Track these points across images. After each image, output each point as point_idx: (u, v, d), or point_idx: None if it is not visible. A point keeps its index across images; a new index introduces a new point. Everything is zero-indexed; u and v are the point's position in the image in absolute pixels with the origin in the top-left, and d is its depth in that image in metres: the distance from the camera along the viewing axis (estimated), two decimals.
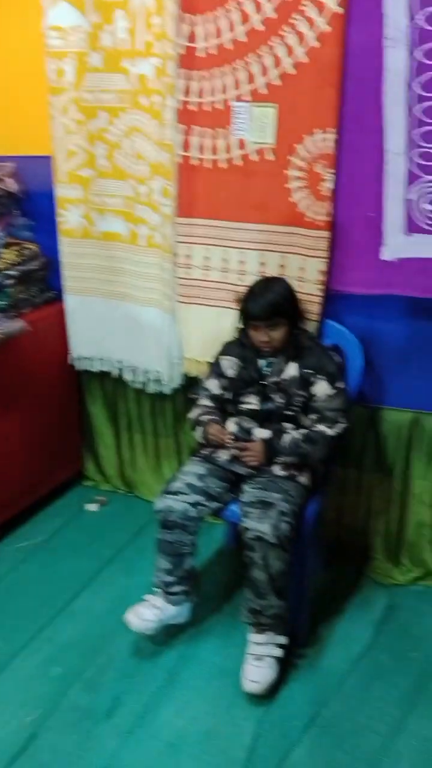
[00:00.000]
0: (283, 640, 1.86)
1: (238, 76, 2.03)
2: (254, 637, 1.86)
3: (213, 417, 1.99)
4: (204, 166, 2.13)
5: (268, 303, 1.87)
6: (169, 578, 1.92)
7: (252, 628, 1.86)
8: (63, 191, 2.39)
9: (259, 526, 1.77)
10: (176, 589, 1.93)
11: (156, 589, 1.97)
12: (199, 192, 2.15)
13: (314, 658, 1.98)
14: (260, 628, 1.84)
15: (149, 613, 1.92)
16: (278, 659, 1.86)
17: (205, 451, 1.99)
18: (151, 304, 2.36)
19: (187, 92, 2.09)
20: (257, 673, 1.82)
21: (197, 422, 2.00)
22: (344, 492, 2.35)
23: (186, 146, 2.14)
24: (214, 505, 1.92)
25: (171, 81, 2.10)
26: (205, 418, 1.99)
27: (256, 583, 1.80)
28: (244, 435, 1.96)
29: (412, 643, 2.03)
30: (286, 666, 1.92)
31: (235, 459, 1.94)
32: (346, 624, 2.10)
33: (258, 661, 1.83)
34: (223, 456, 1.97)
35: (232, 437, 1.92)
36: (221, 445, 1.93)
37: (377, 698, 1.85)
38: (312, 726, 1.77)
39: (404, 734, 1.75)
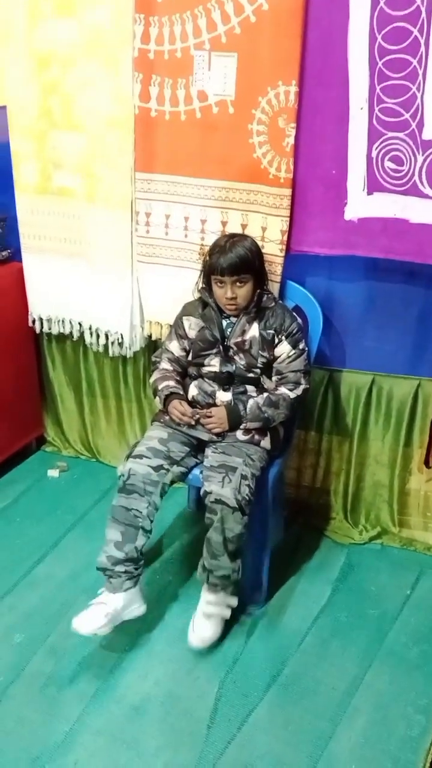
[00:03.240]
0: (233, 601, 1.79)
1: (198, 23, 1.85)
2: (207, 595, 1.78)
3: (174, 389, 1.89)
4: (164, 119, 1.99)
5: (237, 257, 1.77)
6: (117, 553, 1.74)
7: (205, 586, 1.79)
8: (18, 144, 2.21)
9: (221, 490, 1.71)
10: (121, 568, 1.75)
11: (99, 572, 1.78)
12: (159, 146, 2.02)
13: (274, 617, 1.94)
14: (212, 587, 1.77)
15: (97, 614, 1.72)
16: (225, 619, 1.81)
17: (167, 416, 1.91)
18: (110, 263, 2.23)
19: (144, 39, 1.92)
20: (204, 629, 1.78)
21: (156, 390, 1.92)
22: (304, 453, 2.31)
23: (144, 97, 1.99)
24: (177, 469, 1.84)
25: (128, 28, 1.92)
26: (163, 386, 1.90)
27: (211, 543, 1.73)
28: (206, 398, 1.89)
29: (369, 600, 2.01)
30: (248, 627, 1.88)
31: (198, 423, 1.86)
32: (306, 583, 2.07)
33: (207, 619, 1.78)
34: None
35: (197, 415, 1.83)
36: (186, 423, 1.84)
37: (335, 655, 1.82)
38: (273, 685, 1.74)
39: (362, 690, 1.73)
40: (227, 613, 1.79)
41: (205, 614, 1.78)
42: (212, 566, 1.74)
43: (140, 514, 1.76)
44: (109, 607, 1.73)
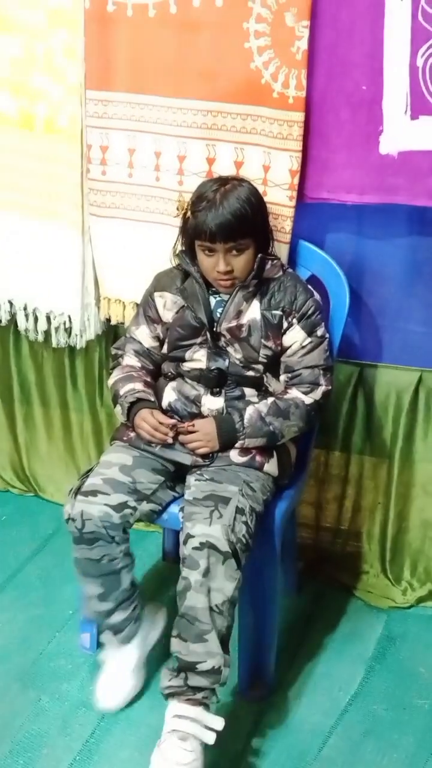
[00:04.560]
0: (218, 724, 1.68)
1: None
2: (178, 707, 1.68)
3: (143, 394, 1.91)
4: (124, 15, 2.00)
5: (231, 214, 1.78)
6: (106, 605, 1.85)
7: (175, 698, 1.69)
8: None
9: (207, 528, 1.70)
10: (119, 617, 1.86)
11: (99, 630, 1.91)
12: (119, 54, 2.04)
13: (285, 711, 1.94)
14: (187, 697, 1.67)
15: (120, 679, 1.89)
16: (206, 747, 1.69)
17: (131, 433, 1.92)
18: (53, 217, 2.26)
19: None
20: (179, 753, 1.64)
21: (118, 396, 1.93)
22: (325, 482, 2.33)
23: None
24: (147, 507, 1.85)
25: None
26: (127, 390, 1.91)
27: (188, 618, 1.68)
28: (188, 406, 1.90)
29: (417, 686, 2.01)
30: (248, 724, 1.87)
31: (176, 441, 1.87)
32: (329, 663, 2.07)
33: (182, 741, 1.65)
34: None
35: (174, 429, 1.84)
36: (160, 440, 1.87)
37: (371, 763, 1.81)
38: None
39: None
40: (210, 738, 1.67)
41: (177, 733, 1.65)
42: (193, 656, 1.67)
43: (116, 558, 1.81)
44: (130, 661, 1.91)
